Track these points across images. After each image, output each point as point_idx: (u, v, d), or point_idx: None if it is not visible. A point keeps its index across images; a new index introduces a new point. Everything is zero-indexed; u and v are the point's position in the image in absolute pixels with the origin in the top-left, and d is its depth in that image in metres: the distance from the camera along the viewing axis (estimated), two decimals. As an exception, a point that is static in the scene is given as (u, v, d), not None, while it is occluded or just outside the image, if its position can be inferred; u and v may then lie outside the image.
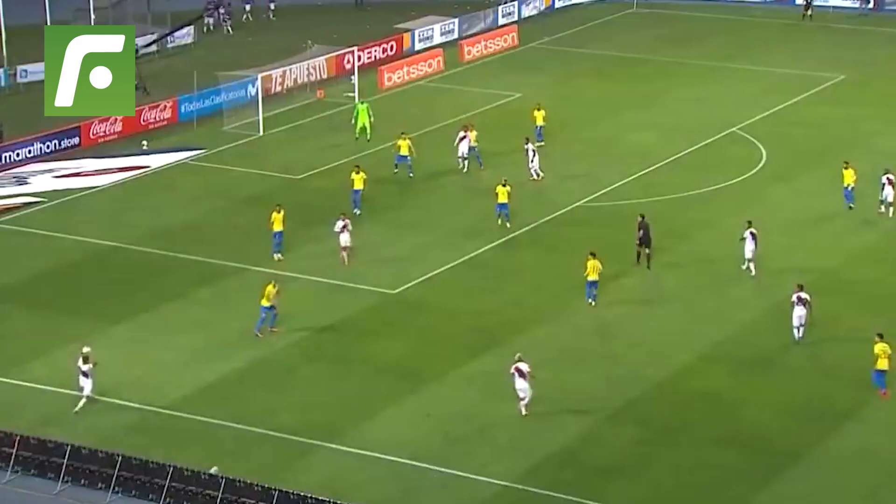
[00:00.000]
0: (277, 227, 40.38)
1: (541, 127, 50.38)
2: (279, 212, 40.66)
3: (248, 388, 33.37)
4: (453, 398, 32.77)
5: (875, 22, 70.60)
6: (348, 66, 58.89)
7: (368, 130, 51.22)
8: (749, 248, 38.86)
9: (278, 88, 56.47)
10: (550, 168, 48.73)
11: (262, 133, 52.88)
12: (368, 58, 61.63)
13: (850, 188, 44.01)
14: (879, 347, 32.75)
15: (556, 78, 60.92)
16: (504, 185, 42.70)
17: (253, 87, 55.01)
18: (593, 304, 37.41)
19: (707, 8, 73.52)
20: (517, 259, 41.01)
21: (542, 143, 49.68)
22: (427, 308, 37.75)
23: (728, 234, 41.53)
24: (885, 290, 38.33)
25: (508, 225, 42.52)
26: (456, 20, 66.92)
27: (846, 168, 44.10)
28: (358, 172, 44.34)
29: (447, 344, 35.53)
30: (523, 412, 31.64)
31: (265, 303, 35.68)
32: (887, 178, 43.53)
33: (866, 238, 42.22)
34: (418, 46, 63.97)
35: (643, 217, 40.53)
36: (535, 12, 71.36)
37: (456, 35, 66.03)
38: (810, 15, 70.38)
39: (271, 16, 72.19)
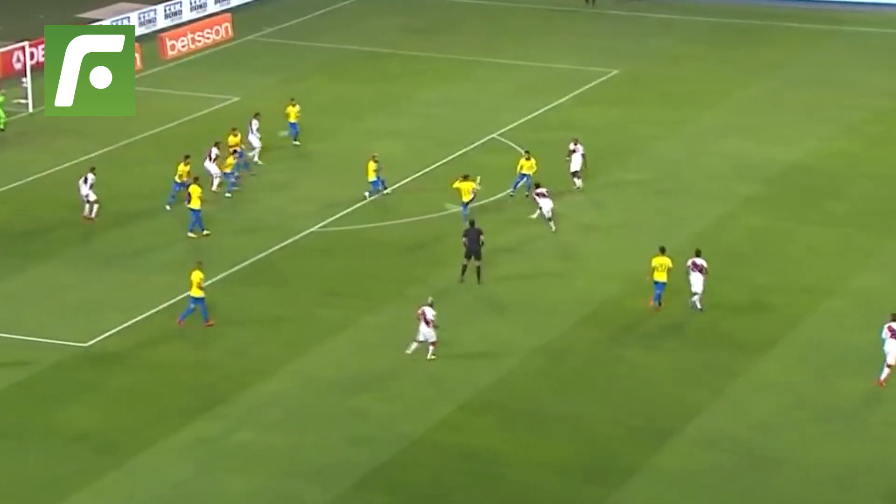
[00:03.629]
0: (195, 205, 43.45)
1: (294, 123, 52.45)
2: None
3: None
4: (164, 474, 32.29)
5: (648, 8, 73.68)
6: (18, 66, 57.64)
7: (3, 122, 52.52)
8: (547, 206, 44.71)
9: (-77, 96, 54.74)
10: (278, 187, 48.71)
11: None
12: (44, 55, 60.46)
13: (525, 176, 47.58)
14: (658, 261, 39.12)
15: (281, 77, 61.01)
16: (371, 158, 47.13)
17: None
18: (466, 223, 42.65)
19: (459, -8, 75.15)
20: (239, 298, 40.81)
21: (298, 144, 52.12)
22: (128, 363, 37.22)
23: (493, 261, 42.33)
24: (667, 321, 39.69)
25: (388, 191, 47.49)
26: (134, 14, 65.80)
27: (527, 159, 47.74)
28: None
29: (155, 406, 35.07)
30: (430, 355, 36.89)
31: (196, 293, 37.84)
32: (578, 148, 48.32)
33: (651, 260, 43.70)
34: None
35: (473, 223, 41.68)
36: (231, 4, 70.37)
37: (144, 27, 65.15)
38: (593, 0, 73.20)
39: None
